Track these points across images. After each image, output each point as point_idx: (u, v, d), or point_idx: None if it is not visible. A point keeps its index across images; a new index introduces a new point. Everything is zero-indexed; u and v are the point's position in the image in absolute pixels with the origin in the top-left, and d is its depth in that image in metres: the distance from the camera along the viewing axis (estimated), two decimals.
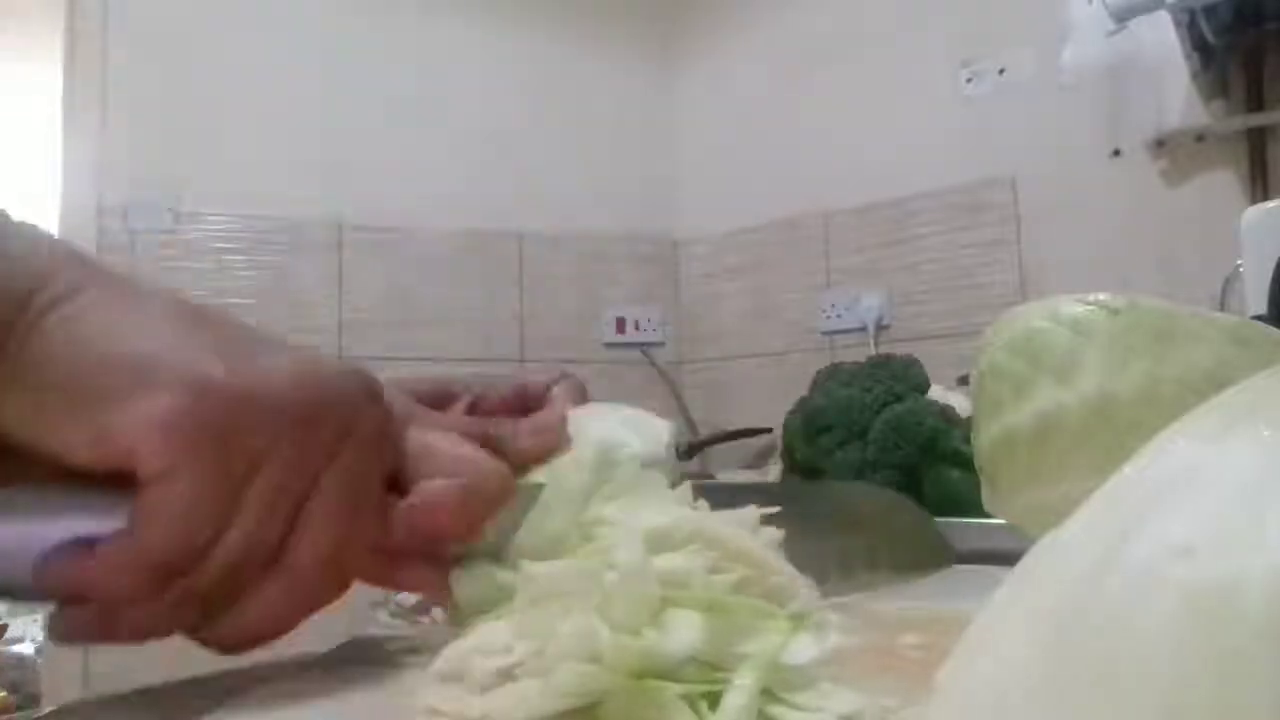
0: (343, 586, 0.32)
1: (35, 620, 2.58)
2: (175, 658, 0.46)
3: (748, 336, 2.46)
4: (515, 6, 2.46)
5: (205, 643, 0.31)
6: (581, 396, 0.43)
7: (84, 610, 0.28)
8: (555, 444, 0.37)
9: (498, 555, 0.35)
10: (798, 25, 2.40)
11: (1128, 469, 0.17)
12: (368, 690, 0.32)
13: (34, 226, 0.29)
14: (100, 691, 0.37)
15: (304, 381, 0.30)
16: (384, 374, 0.35)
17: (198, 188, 2.13)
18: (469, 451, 0.34)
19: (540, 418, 0.39)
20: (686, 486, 0.34)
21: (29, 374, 0.27)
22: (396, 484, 0.33)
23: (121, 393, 0.27)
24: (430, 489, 0.33)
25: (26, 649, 2.54)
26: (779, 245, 2.41)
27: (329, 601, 0.31)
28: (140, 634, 0.29)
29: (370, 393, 0.32)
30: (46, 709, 0.36)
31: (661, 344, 2.57)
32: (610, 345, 2.52)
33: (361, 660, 0.33)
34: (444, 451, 0.34)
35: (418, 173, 2.32)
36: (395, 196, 2.29)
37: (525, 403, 0.43)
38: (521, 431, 0.38)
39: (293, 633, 0.31)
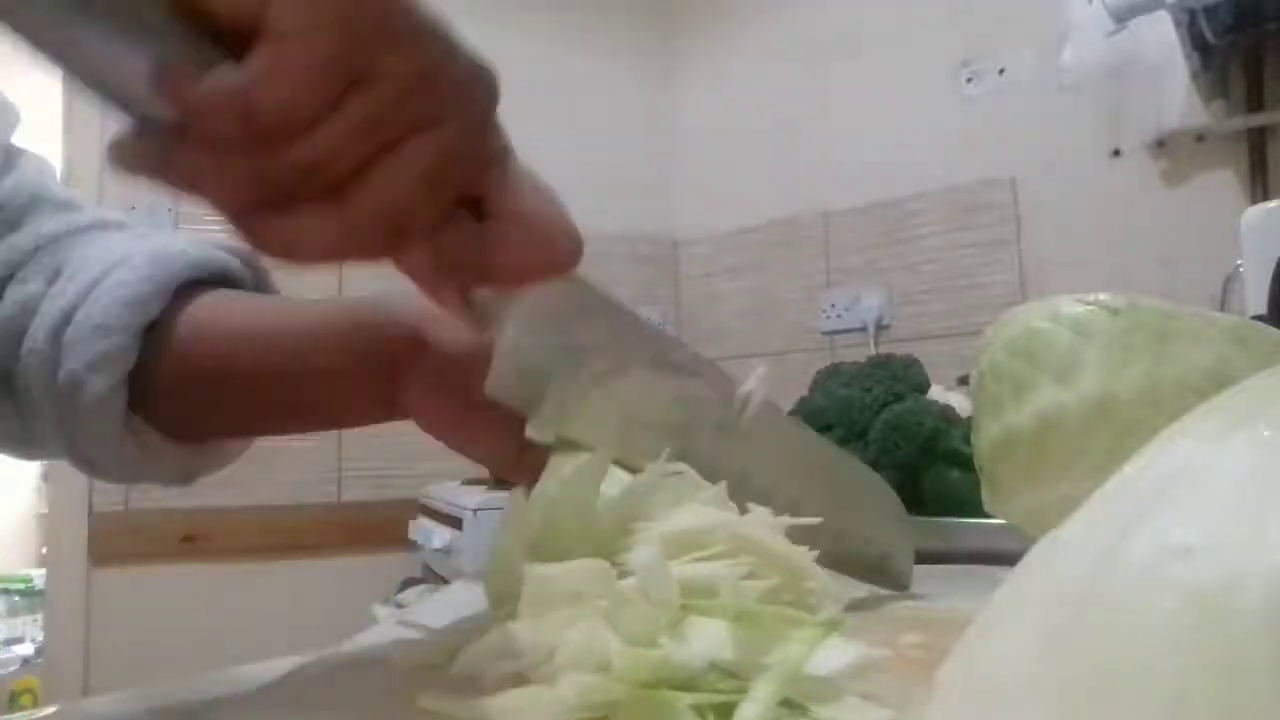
0: (391, 248, 0.32)
1: (35, 620, 2.58)
2: (175, 658, 0.46)
3: (748, 336, 2.46)
4: (515, 6, 2.46)
5: (243, 230, 0.31)
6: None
7: (155, 138, 0.29)
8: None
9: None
10: (798, 25, 2.40)
11: (1128, 469, 0.17)
12: (371, 691, 0.32)
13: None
14: (100, 691, 0.37)
15: (450, 35, 0.30)
16: None
17: None
18: (554, 209, 0.36)
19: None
20: (721, 487, 0.34)
21: None
22: (475, 204, 0.34)
23: None
24: (508, 229, 0.34)
25: (27, 649, 2.54)
26: (779, 245, 2.41)
27: (371, 254, 0.32)
28: (194, 182, 0.29)
29: (492, 90, 0.32)
30: (46, 709, 0.36)
31: None
32: None
33: (364, 661, 0.33)
34: (531, 198, 0.35)
35: None
36: None
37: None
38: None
39: (335, 256, 0.31)
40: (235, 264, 0.51)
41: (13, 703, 2.29)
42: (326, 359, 0.47)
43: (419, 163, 0.30)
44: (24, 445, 0.48)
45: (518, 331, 0.36)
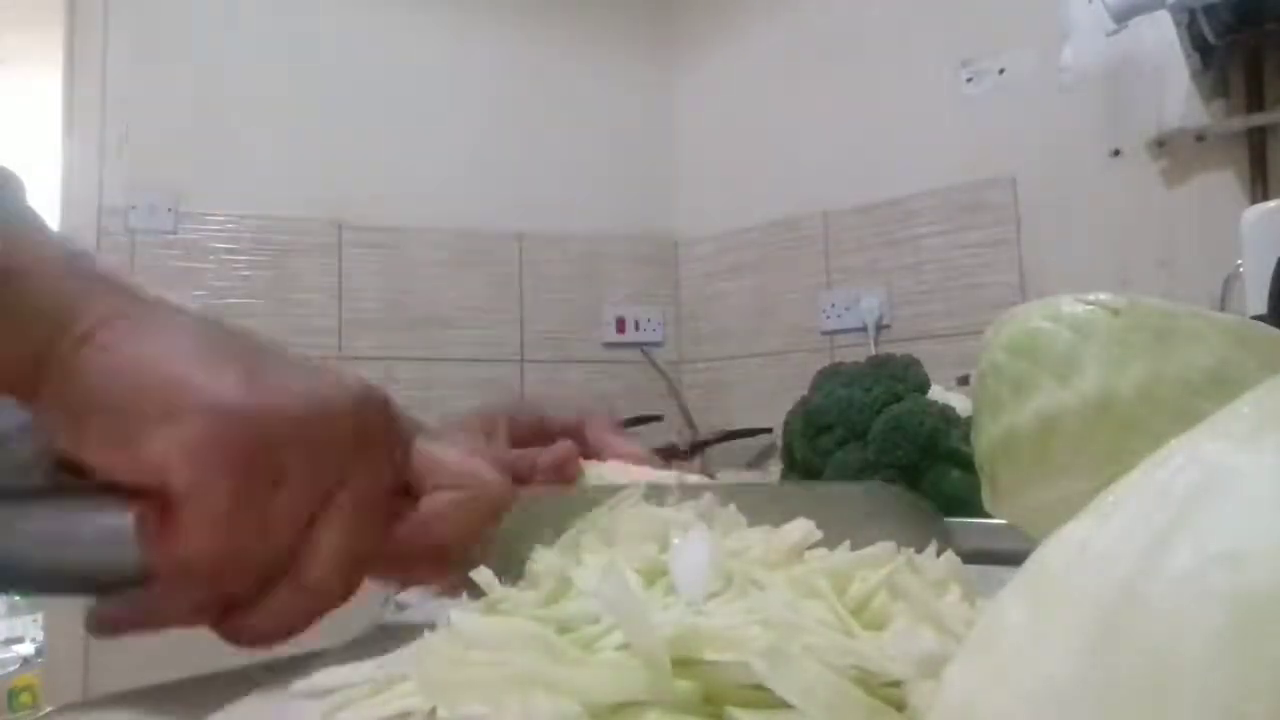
0: (353, 589, 0.34)
1: (35, 620, 2.58)
2: (175, 658, 0.46)
3: (748, 336, 2.46)
4: (516, 6, 2.46)
5: (225, 637, 0.33)
6: (613, 429, 0.50)
7: (121, 606, 0.32)
8: (569, 476, 0.43)
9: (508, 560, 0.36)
10: (798, 25, 2.40)
11: (1152, 471, 0.17)
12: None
13: (65, 243, 0.33)
14: (100, 691, 0.37)
15: (321, 401, 0.32)
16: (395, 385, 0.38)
17: (198, 188, 2.13)
18: (472, 463, 0.38)
19: (557, 450, 0.45)
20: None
21: (70, 400, 0.30)
22: (407, 490, 0.36)
23: (152, 420, 0.30)
24: (435, 501, 0.36)
25: (27, 649, 2.54)
26: (779, 245, 2.41)
27: (340, 604, 0.34)
28: (174, 622, 0.32)
29: (382, 409, 0.34)
30: (46, 709, 0.36)
31: (661, 344, 2.57)
32: (610, 345, 2.52)
33: (363, 661, 0.33)
34: (449, 462, 0.37)
35: (418, 173, 2.32)
36: (395, 196, 2.29)
37: (552, 434, 0.49)
38: (541, 464, 0.44)
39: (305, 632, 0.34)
40: None
41: (12, 700, 2.29)
42: None
43: (346, 519, 0.32)
44: None
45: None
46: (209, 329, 0.33)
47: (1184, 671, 0.13)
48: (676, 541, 0.31)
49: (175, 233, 2.11)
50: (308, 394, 0.32)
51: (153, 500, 0.30)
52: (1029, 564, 0.18)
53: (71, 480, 0.46)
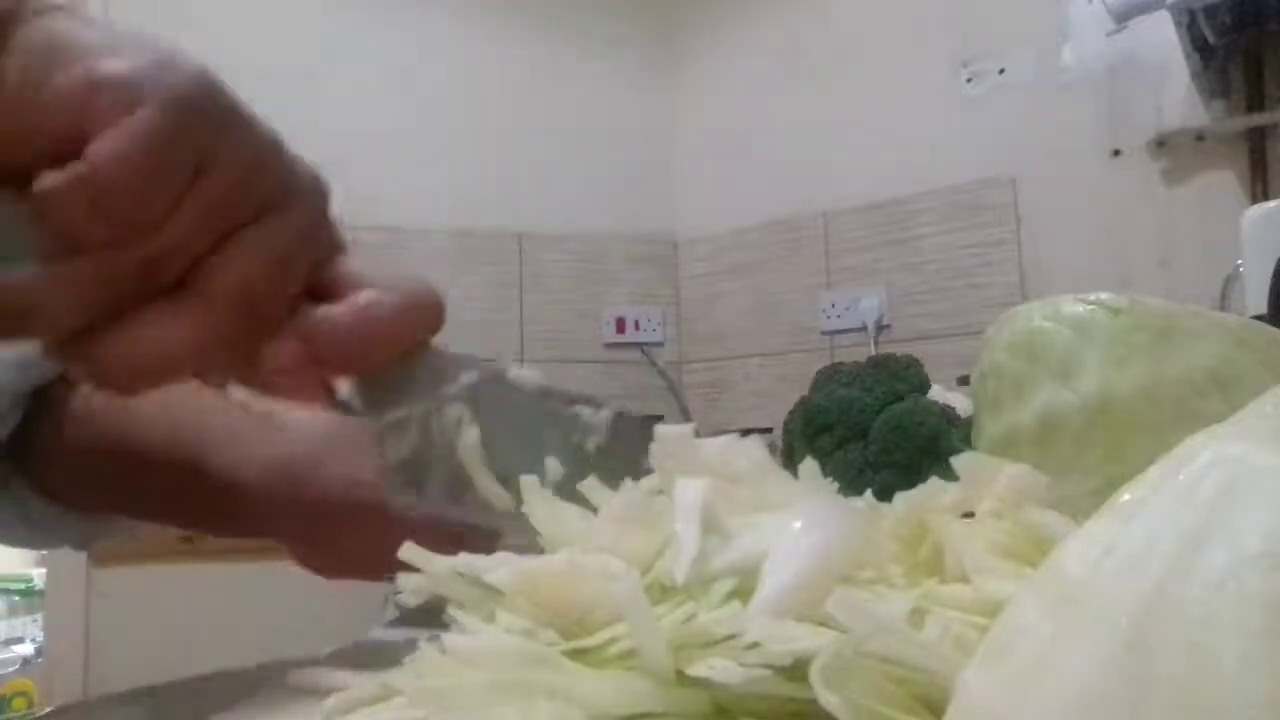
0: (248, 338, 0.29)
1: (35, 620, 2.58)
2: (175, 658, 0.46)
3: (748, 336, 2.46)
4: (515, 6, 2.46)
5: (84, 369, 0.28)
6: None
7: None
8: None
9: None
10: (798, 25, 2.40)
11: (1181, 473, 0.16)
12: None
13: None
14: (100, 691, 0.37)
15: (274, 133, 0.30)
16: None
17: None
18: (406, 274, 0.33)
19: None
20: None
21: (18, 56, 0.26)
22: (324, 291, 0.32)
23: (102, 52, 0.27)
24: (370, 295, 0.31)
25: (27, 649, 2.54)
26: (779, 245, 2.41)
27: (225, 354, 0.29)
28: (28, 315, 0.27)
29: (324, 185, 0.31)
30: (46, 709, 0.36)
31: (661, 344, 2.57)
32: (610, 345, 2.52)
33: (364, 664, 0.33)
34: (377, 272, 0.33)
35: (418, 173, 2.32)
36: (395, 196, 2.29)
37: None
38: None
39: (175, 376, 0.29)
40: None
41: (5, 707, 2.29)
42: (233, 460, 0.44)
43: (268, 243, 0.29)
44: None
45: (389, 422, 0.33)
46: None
47: (1222, 676, 0.13)
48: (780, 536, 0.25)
49: None
50: (261, 118, 0.29)
51: (59, 146, 0.26)
52: (1045, 567, 0.17)
53: (20, 493, 0.44)
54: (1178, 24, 1.66)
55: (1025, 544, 0.25)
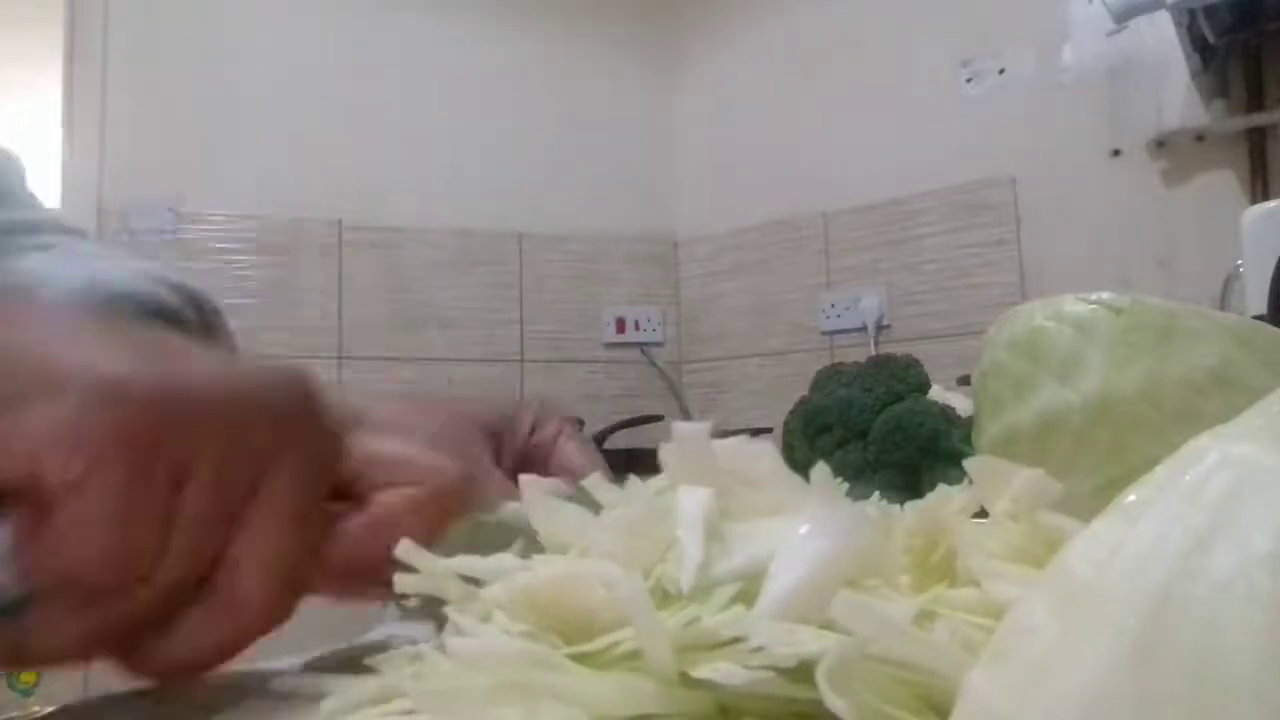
0: (288, 606, 0.29)
1: None
2: None
3: (748, 336, 2.46)
4: (515, 6, 2.46)
5: (135, 671, 0.28)
6: (586, 452, 0.44)
7: None
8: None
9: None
10: (798, 25, 2.40)
11: (1187, 473, 0.16)
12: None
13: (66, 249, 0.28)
14: (100, 691, 0.36)
15: (228, 384, 0.27)
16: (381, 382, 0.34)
17: (198, 188, 2.13)
18: (428, 456, 0.32)
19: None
20: None
21: None
22: (348, 494, 0.31)
23: (24, 399, 0.24)
24: (385, 501, 0.31)
25: None
26: (779, 245, 2.41)
27: (274, 624, 0.29)
28: (59, 659, 0.27)
29: (308, 395, 0.29)
30: (46, 709, 0.36)
31: (661, 344, 2.57)
32: (610, 345, 2.52)
33: (365, 665, 0.32)
34: (400, 457, 0.32)
35: (418, 173, 2.32)
36: (395, 196, 2.29)
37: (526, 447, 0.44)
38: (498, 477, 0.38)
39: (236, 658, 0.29)
40: (175, 300, 0.47)
41: (15, 681, 2.30)
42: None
43: (277, 518, 0.27)
44: None
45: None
46: (99, 320, 0.28)
47: (1230, 677, 0.13)
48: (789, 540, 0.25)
49: (175, 233, 2.11)
50: (212, 375, 0.27)
51: (27, 502, 0.25)
52: (1051, 568, 0.17)
53: None
54: (1178, 24, 1.66)
55: (1040, 547, 0.24)
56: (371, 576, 0.30)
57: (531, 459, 0.43)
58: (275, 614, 0.28)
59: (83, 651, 0.27)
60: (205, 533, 0.26)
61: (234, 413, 0.27)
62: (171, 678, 0.28)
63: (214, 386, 0.27)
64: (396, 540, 0.29)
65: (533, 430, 0.45)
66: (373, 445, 0.32)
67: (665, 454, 0.29)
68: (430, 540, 0.30)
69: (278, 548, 0.27)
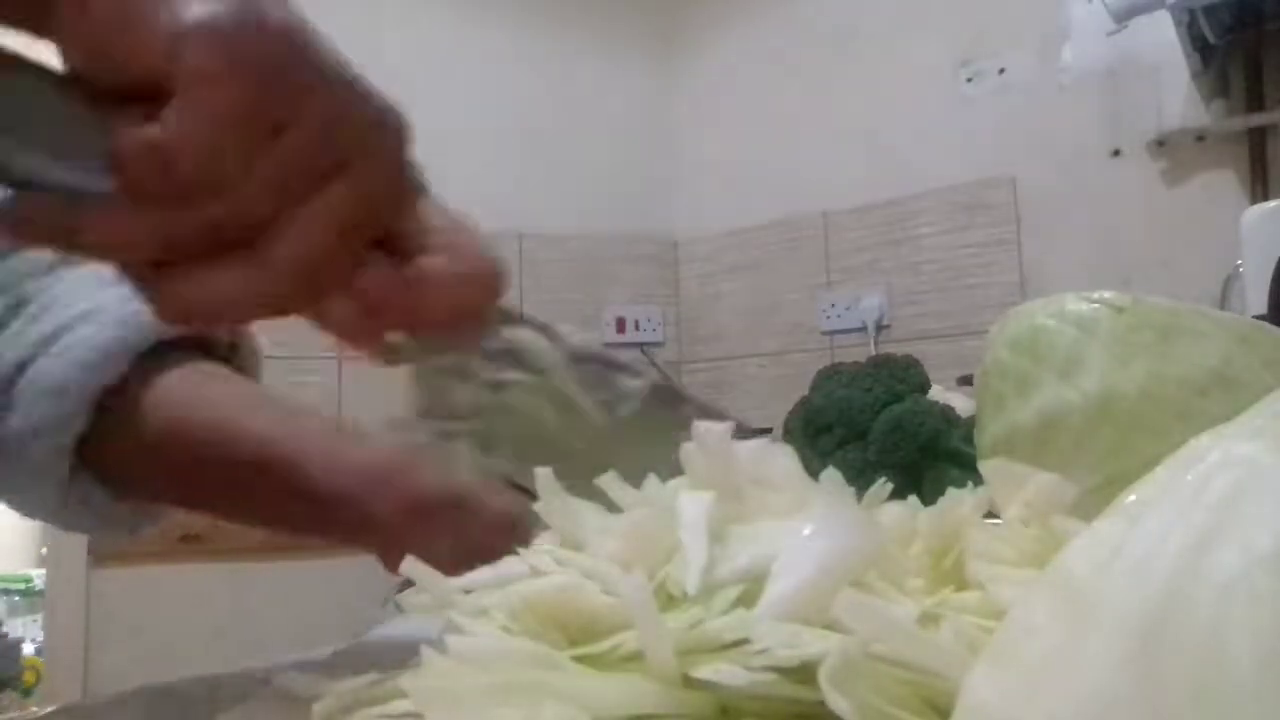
0: (308, 300, 0.31)
1: (35, 620, 2.58)
2: (175, 658, 0.46)
3: (748, 336, 2.46)
4: (515, 6, 2.46)
5: (165, 306, 0.29)
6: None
7: (52, 202, 0.27)
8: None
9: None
10: (798, 25, 2.40)
11: (1188, 473, 0.16)
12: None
13: None
14: (100, 691, 0.36)
15: (354, 77, 0.30)
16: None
17: None
18: (477, 240, 0.34)
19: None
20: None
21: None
22: (392, 244, 0.32)
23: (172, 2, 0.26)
24: (432, 266, 0.32)
25: (27, 649, 2.54)
26: (779, 245, 2.41)
27: (287, 308, 0.30)
28: (102, 246, 0.28)
29: (404, 136, 0.31)
30: (47, 709, 0.36)
31: (661, 344, 2.57)
32: (610, 345, 2.52)
33: (366, 664, 0.32)
34: (453, 231, 0.34)
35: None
36: None
37: None
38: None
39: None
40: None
41: (17, 682, 2.31)
42: (296, 480, 0.46)
43: (335, 210, 0.29)
44: None
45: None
46: None
47: (1234, 675, 0.13)
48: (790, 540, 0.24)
49: None
50: (345, 63, 0.30)
51: (140, 97, 0.26)
52: (1052, 569, 0.17)
53: (93, 493, 0.46)
54: (1178, 24, 1.66)
55: (1052, 551, 0.24)
56: (387, 329, 0.32)
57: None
58: (294, 298, 0.30)
59: (118, 247, 0.28)
60: (278, 185, 0.28)
61: (348, 100, 0.29)
62: (193, 319, 0.30)
63: (342, 70, 0.29)
64: (429, 303, 0.32)
65: None
66: (433, 212, 0.34)
67: (685, 455, 0.30)
68: (465, 320, 0.32)
69: (324, 235, 0.29)
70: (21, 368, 0.44)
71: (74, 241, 0.28)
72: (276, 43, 0.27)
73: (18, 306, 0.46)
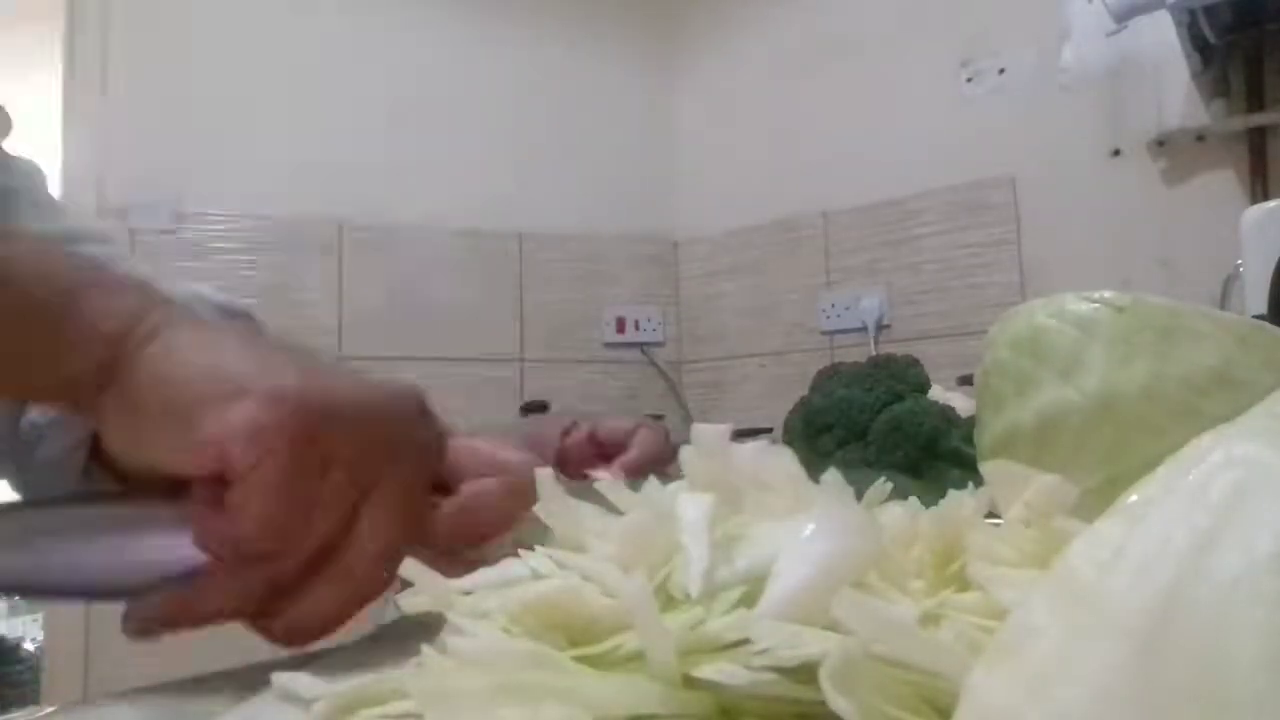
0: (389, 582, 0.34)
1: (35, 620, 2.58)
2: (175, 658, 0.46)
3: (748, 336, 2.46)
4: (515, 6, 2.46)
5: (263, 631, 0.34)
6: (662, 448, 0.52)
7: (155, 605, 0.33)
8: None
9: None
10: (798, 25, 2.40)
11: (1190, 473, 0.16)
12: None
13: (115, 259, 0.36)
14: (100, 691, 0.37)
15: (367, 394, 0.35)
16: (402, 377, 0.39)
17: (198, 188, 2.13)
18: (509, 452, 0.39)
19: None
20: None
21: (132, 399, 0.33)
22: (440, 486, 0.37)
23: (213, 405, 0.32)
24: (475, 488, 0.37)
25: (27, 649, 2.54)
26: (779, 245, 2.41)
27: (376, 596, 0.34)
28: (208, 621, 0.33)
29: (422, 406, 0.36)
30: (46, 709, 0.36)
31: (661, 344, 2.57)
32: (610, 345, 2.52)
33: (364, 664, 0.32)
34: (486, 452, 0.39)
35: (418, 173, 2.32)
36: (395, 196, 2.29)
37: (602, 446, 0.52)
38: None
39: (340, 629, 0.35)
40: (209, 309, 0.55)
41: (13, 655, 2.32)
42: None
43: (391, 506, 0.34)
44: None
45: None
46: (255, 335, 0.36)
47: (1237, 676, 0.13)
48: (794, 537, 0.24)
49: (175, 233, 2.10)
50: (355, 388, 0.34)
51: (207, 485, 0.32)
52: (1053, 569, 0.17)
53: (104, 483, 0.47)
54: (1178, 24, 1.66)
55: (1053, 553, 0.24)
56: (462, 550, 0.37)
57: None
58: (379, 586, 0.34)
59: (231, 612, 0.33)
60: (339, 512, 0.33)
61: (368, 417, 0.34)
62: (294, 639, 0.34)
63: (354, 396, 0.34)
64: (482, 522, 0.36)
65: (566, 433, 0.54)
66: (464, 444, 0.39)
67: (685, 457, 0.31)
68: (508, 524, 0.36)
69: (391, 529, 0.34)
70: None
71: (188, 623, 0.34)
72: (300, 418, 0.32)
73: None
